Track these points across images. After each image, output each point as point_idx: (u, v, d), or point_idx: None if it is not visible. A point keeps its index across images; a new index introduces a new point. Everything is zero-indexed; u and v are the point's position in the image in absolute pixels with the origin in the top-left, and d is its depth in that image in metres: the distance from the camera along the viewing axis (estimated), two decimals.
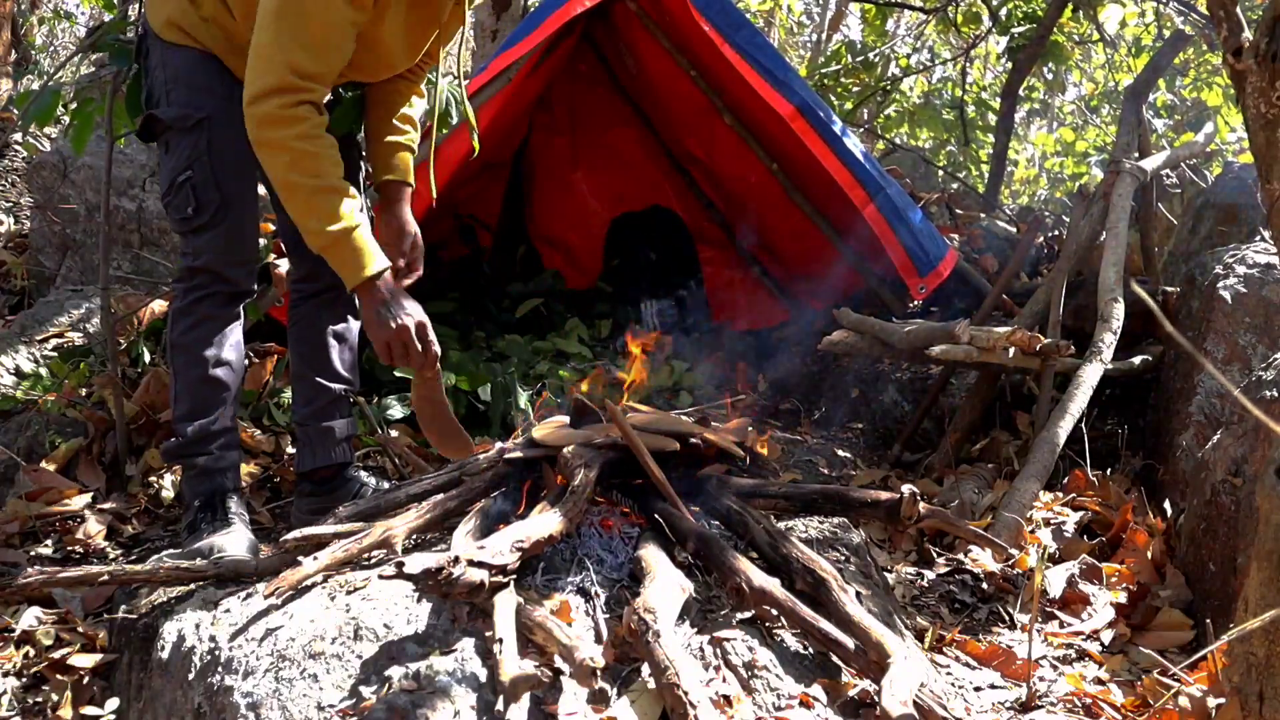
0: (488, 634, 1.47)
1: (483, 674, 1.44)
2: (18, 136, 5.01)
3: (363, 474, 2.46)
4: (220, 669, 1.54)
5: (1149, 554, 2.35)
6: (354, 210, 1.93)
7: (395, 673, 1.44)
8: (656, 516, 1.83)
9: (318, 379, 2.34)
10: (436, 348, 2.01)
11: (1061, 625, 2.16)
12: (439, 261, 4.62)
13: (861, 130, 7.44)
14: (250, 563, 1.84)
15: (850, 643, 1.52)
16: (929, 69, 8.83)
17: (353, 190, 1.96)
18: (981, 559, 2.41)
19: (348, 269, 1.94)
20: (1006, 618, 2.21)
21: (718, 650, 1.54)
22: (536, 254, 4.97)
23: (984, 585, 2.34)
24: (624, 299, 4.62)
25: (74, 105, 2.60)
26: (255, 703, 1.45)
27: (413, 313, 1.98)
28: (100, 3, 2.59)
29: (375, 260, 1.94)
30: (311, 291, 2.34)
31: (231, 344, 2.17)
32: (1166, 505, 2.60)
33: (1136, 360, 3.18)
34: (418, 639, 1.52)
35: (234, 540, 2.04)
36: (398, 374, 3.22)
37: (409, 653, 1.49)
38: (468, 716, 1.37)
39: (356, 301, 2.36)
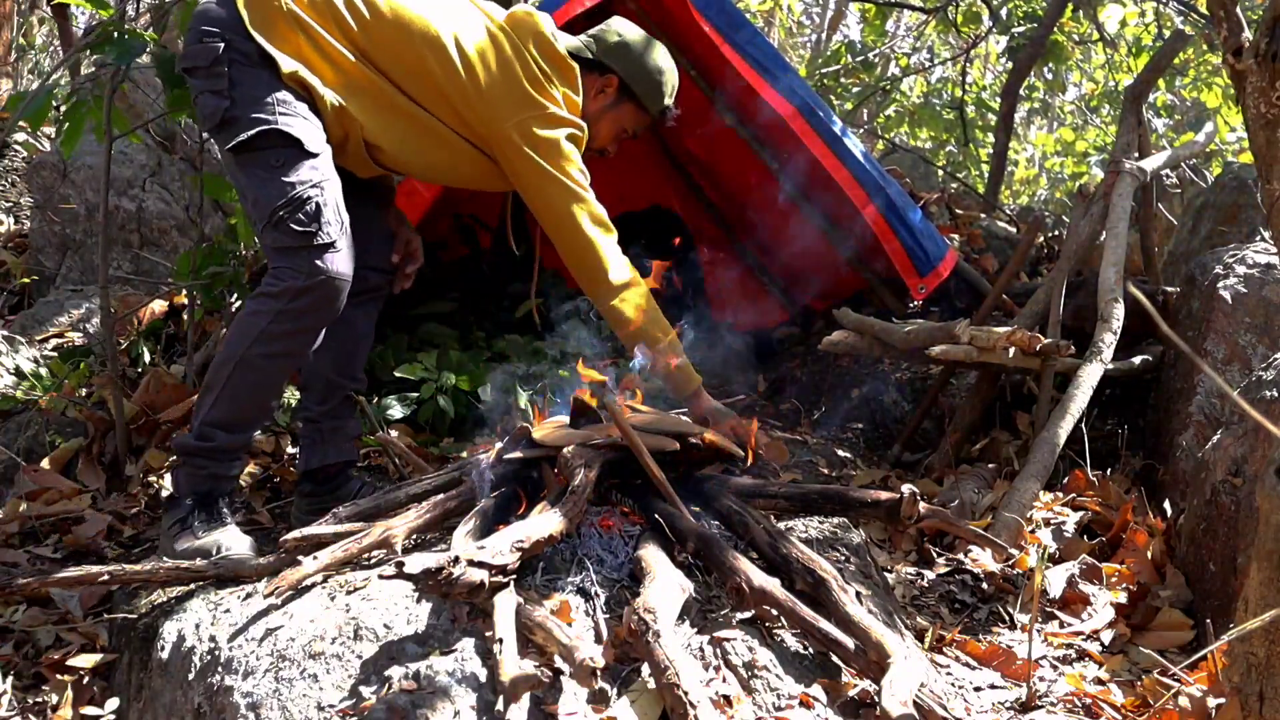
0: (488, 634, 1.48)
1: (483, 674, 1.44)
2: (19, 136, 5.01)
3: (363, 474, 2.47)
4: (220, 669, 1.54)
5: (1149, 554, 2.35)
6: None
7: (395, 673, 1.44)
8: (656, 516, 1.83)
9: (340, 378, 2.38)
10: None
11: (1061, 625, 2.16)
12: (439, 261, 4.61)
13: (861, 130, 7.44)
14: (250, 563, 1.84)
15: (850, 643, 1.52)
16: (929, 69, 8.83)
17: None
18: (981, 559, 2.41)
19: (689, 378, 2.38)
20: (1006, 618, 2.21)
21: (718, 650, 1.54)
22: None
23: (984, 585, 2.34)
24: None
25: (67, 106, 2.59)
26: (255, 703, 1.45)
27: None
28: (92, 6, 2.57)
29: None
30: (350, 293, 2.35)
31: (291, 373, 2.20)
32: (1166, 505, 2.60)
33: (1136, 360, 3.18)
34: (418, 639, 1.52)
35: (234, 540, 2.04)
36: (398, 374, 3.23)
37: (409, 653, 1.50)
38: (468, 716, 1.37)
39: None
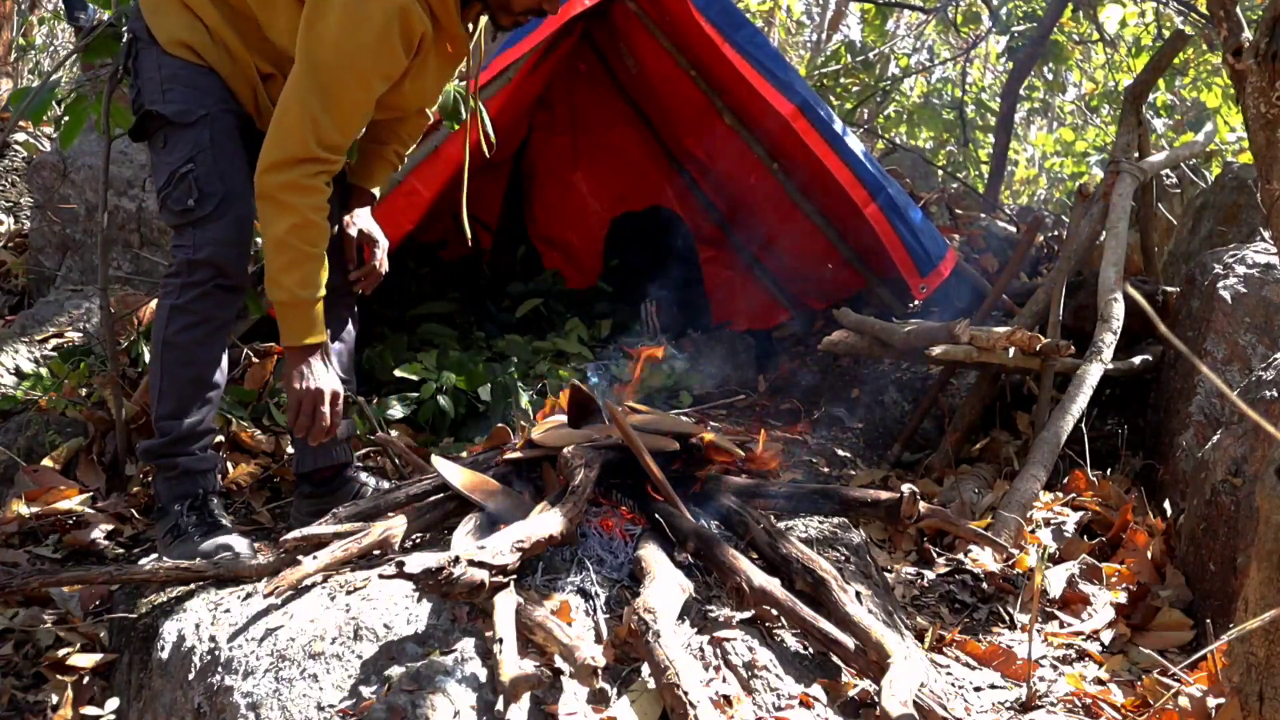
0: (488, 634, 1.48)
1: (483, 674, 1.44)
2: (19, 136, 5.00)
3: (363, 474, 2.46)
4: (220, 669, 1.54)
5: (1149, 554, 2.35)
6: (323, 280, 2.04)
7: (395, 673, 1.44)
8: (656, 516, 1.83)
9: None
10: (339, 420, 2.11)
11: (1061, 625, 2.16)
12: (439, 261, 4.62)
13: (861, 130, 7.44)
14: (250, 563, 1.84)
15: (850, 643, 1.52)
16: (929, 69, 8.83)
17: (326, 259, 2.06)
18: (981, 559, 2.42)
19: (295, 330, 2.04)
20: (1006, 618, 2.21)
21: (718, 650, 1.54)
22: (536, 254, 4.97)
23: (984, 585, 2.34)
24: (624, 299, 4.63)
25: (68, 102, 2.60)
26: (255, 703, 1.45)
27: (331, 383, 2.08)
28: (98, 3, 2.58)
29: (319, 332, 2.06)
30: None
31: (223, 343, 2.17)
32: (1166, 505, 2.60)
33: (1136, 360, 3.18)
34: (418, 639, 1.52)
35: (232, 540, 2.04)
36: (398, 374, 3.23)
37: (409, 653, 1.50)
38: (468, 716, 1.37)
39: (352, 321, 2.42)
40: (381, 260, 2.38)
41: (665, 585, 1.55)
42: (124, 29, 2.13)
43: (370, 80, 1.97)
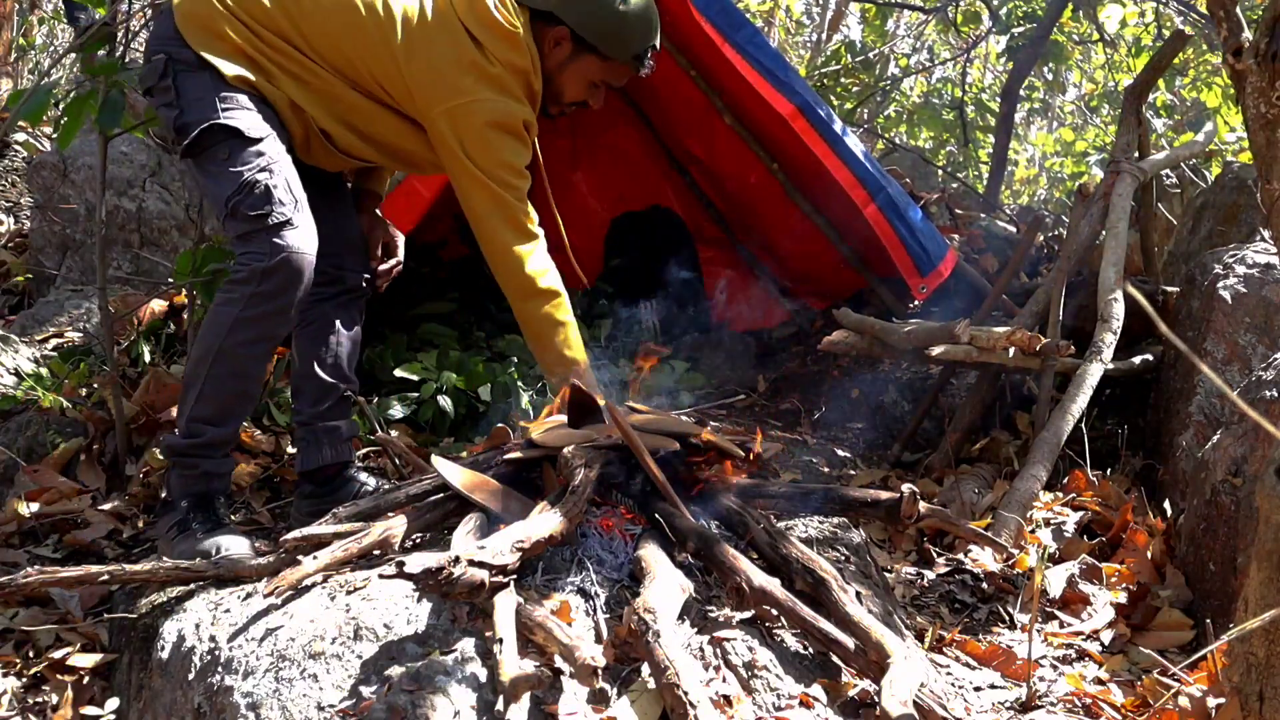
0: (488, 634, 1.48)
1: (483, 674, 1.44)
2: (19, 136, 5.01)
3: (362, 474, 2.46)
4: (220, 669, 1.54)
5: (1149, 554, 2.35)
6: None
7: (395, 673, 1.44)
8: (656, 516, 1.83)
9: (329, 379, 2.36)
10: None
11: (1061, 625, 2.16)
12: (439, 261, 4.61)
13: (861, 130, 7.44)
14: (250, 563, 1.84)
15: (850, 643, 1.52)
16: (929, 69, 8.83)
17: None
18: (981, 559, 2.42)
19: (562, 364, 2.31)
20: (1006, 618, 2.21)
21: (718, 650, 1.54)
22: None
23: (984, 585, 2.34)
24: (624, 299, 4.62)
25: (66, 102, 2.60)
26: (255, 703, 1.45)
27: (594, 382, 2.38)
28: (93, 2, 2.58)
29: (596, 389, 2.28)
30: (330, 294, 2.36)
31: (271, 358, 2.21)
32: (1166, 505, 2.60)
33: (1136, 360, 3.18)
34: (418, 639, 1.52)
35: (233, 540, 2.04)
36: (399, 374, 3.23)
37: (409, 653, 1.50)
38: (468, 716, 1.37)
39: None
40: (393, 251, 2.50)
41: (665, 585, 1.55)
42: (157, 55, 2.13)
43: (524, 169, 2.30)
